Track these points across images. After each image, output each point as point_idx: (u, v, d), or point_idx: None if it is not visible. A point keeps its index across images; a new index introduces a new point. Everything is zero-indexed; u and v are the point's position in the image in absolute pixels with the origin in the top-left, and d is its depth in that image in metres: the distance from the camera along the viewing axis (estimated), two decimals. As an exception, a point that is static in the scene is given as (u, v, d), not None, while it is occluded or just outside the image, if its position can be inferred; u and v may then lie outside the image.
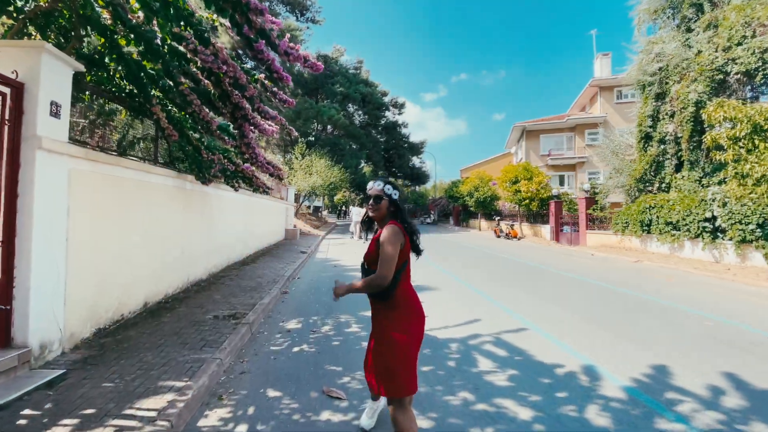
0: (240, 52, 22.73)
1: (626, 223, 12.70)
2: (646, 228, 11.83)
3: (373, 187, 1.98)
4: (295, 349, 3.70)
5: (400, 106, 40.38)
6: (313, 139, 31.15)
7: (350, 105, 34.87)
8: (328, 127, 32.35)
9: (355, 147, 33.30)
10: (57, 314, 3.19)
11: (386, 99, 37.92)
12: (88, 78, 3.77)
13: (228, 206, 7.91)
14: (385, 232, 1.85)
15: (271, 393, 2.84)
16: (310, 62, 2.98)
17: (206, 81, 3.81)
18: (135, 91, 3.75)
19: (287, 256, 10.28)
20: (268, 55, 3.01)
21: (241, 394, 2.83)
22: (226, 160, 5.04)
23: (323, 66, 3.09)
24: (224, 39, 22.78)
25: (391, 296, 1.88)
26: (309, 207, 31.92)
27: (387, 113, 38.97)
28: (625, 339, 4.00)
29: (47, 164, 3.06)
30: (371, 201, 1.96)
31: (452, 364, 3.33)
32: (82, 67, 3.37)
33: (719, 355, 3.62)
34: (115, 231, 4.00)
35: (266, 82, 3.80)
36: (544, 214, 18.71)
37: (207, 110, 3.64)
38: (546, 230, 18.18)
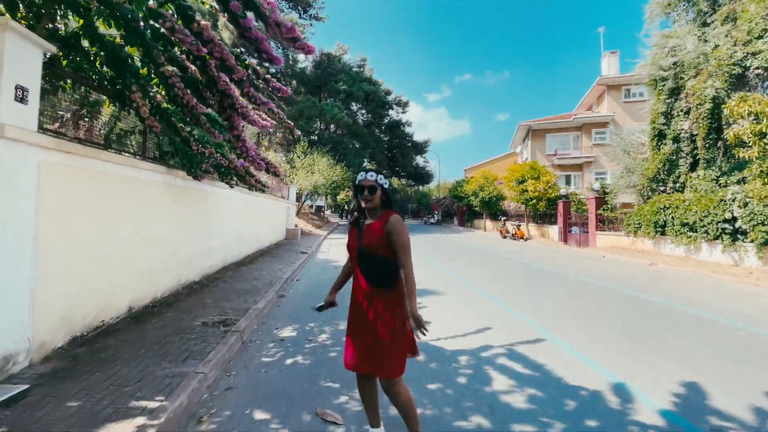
0: (242, 50, 22.49)
1: (639, 224, 12.24)
2: (660, 229, 11.37)
3: (366, 178, 1.98)
4: (289, 361, 3.36)
5: (403, 105, 39.95)
6: (315, 138, 30.85)
7: (353, 103, 34.52)
8: (331, 125, 32.04)
9: (358, 146, 32.93)
10: (23, 322, 2.87)
11: (390, 97, 37.52)
12: (64, 63, 3.45)
13: (224, 204, 7.60)
14: (396, 223, 1.92)
15: (259, 415, 2.50)
16: (301, 43, 2.64)
17: (193, 67, 3.49)
18: (116, 77, 3.43)
19: (287, 256, 9.96)
20: (257, 34, 2.67)
21: (224, 415, 2.50)
22: (218, 154, 4.71)
23: (315, 48, 2.76)
24: (225, 35, 22.52)
25: (396, 282, 1.96)
26: (311, 206, 31.65)
27: (390, 112, 38.57)
28: (649, 350, 3.62)
29: (11, 155, 2.75)
30: (366, 192, 1.96)
31: (463, 380, 2.98)
32: (53, 49, 3.06)
33: (755, 368, 3.23)
34: (95, 230, 3.69)
35: (258, 68, 3.47)
36: (551, 214, 18.26)
37: (191, 95, 3.30)
38: (553, 231, 17.73)
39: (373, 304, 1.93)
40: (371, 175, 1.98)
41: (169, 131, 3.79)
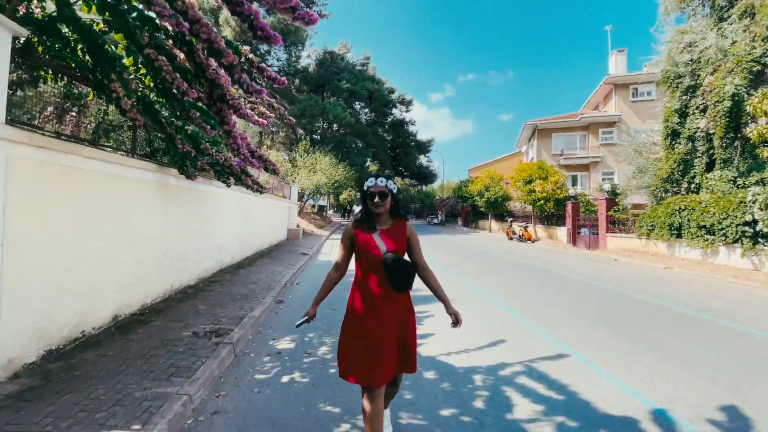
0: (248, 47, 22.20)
1: (652, 226, 11.81)
2: (675, 232, 10.94)
3: (376, 183, 1.95)
4: (285, 378, 3.04)
5: (407, 104, 39.52)
6: (318, 137, 30.57)
7: (356, 102, 34.15)
8: (334, 124, 31.74)
9: (361, 145, 32.60)
10: (-12, 336, 2.57)
11: (393, 96, 37.09)
12: (40, 49, 3.15)
13: (222, 204, 7.29)
14: (413, 230, 2.06)
15: (247, 447, 2.18)
16: (301, 12, 2.31)
17: (182, 55, 3.17)
18: (94, 65, 3.12)
19: (287, 258, 9.66)
20: (251, 8, 2.36)
21: (207, 447, 2.18)
22: (213, 150, 4.40)
23: (318, 17, 2.43)
24: (226, 32, 22.28)
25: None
26: (313, 206, 31.37)
27: (394, 110, 38.15)
28: (681, 366, 3.26)
29: (-27, 149, 2.45)
30: (377, 198, 1.93)
31: (480, 405, 2.64)
32: (24, 32, 2.75)
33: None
34: (75, 233, 3.38)
35: (251, 56, 3.14)
36: (559, 215, 17.84)
37: (181, 80, 2.98)
38: (561, 232, 17.31)
39: (393, 308, 1.94)
40: (381, 181, 1.95)
41: (155, 126, 3.48)
